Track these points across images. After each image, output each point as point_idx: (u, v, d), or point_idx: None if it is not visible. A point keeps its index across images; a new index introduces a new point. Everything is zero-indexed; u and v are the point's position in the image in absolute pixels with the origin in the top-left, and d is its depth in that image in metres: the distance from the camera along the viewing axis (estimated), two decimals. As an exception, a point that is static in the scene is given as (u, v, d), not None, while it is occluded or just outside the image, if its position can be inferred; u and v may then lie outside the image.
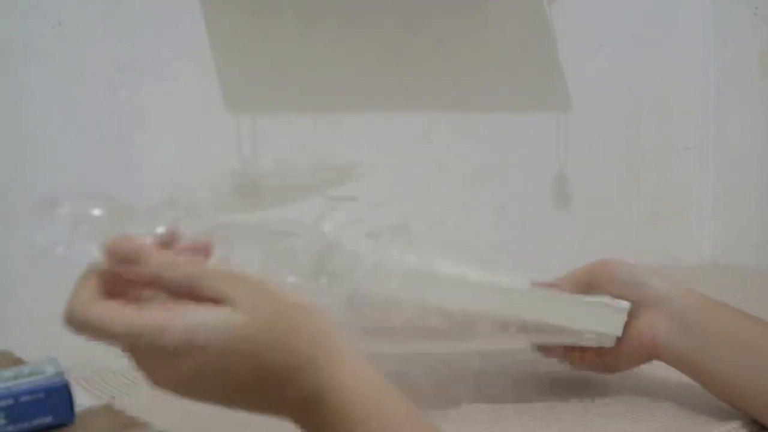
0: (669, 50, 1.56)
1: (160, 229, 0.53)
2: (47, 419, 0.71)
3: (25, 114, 0.94)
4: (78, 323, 0.51)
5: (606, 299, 0.78)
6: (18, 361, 0.84)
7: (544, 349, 0.83)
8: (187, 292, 0.49)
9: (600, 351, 0.80)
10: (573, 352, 0.82)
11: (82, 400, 0.78)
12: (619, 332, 0.78)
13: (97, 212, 0.54)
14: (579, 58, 1.43)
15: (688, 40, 1.58)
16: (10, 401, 0.70)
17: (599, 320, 0.77)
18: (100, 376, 0.94)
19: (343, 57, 1.17)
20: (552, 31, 1.39)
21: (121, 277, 0.51)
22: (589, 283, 0.81)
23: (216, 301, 0.49)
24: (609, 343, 0.79)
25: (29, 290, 0.95)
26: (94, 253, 0.51)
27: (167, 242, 0.54)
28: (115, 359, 1.00)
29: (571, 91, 1.43)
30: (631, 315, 0.78)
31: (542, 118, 1.33)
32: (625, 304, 0.78)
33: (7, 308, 0.94)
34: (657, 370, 0.81)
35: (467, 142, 1.29)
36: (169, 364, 0.48)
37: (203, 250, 0.54)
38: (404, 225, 0.69)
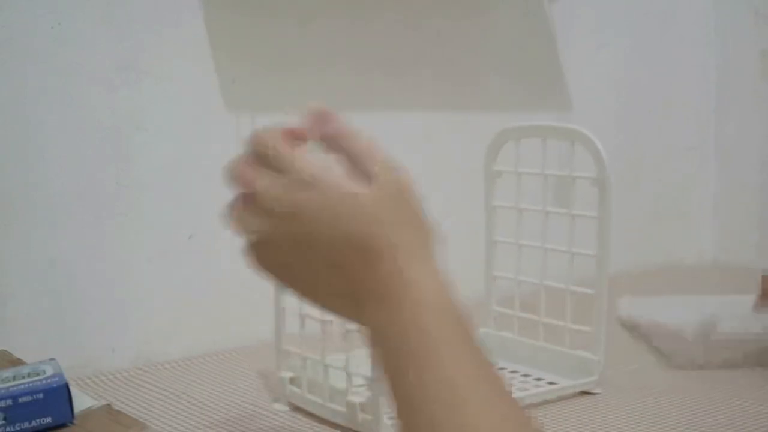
0: (669, 50, 1.56)
1: None
2: (46, 420, 0.71)
3: (25, 114, 0.94)
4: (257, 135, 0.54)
5: None
6: (17, 362, 0.84)
7: None
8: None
9: None
10: None
11: (82, 401, 0.78)
12: None
13: None
14: (579, 58, 1.43)
15: (688, 40, 1.58)
16: (9, 402, 0.70)
17: None
18: (99, 376, 0.94)
19: (343, 57, 1.17)
20: (552, 31, 1.39)
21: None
22: None
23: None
24: None
25: (28, 291, 0.95)
26: None
27: None
28: (114, 360, 1.01)
29: (571, 91, 1.42)
30: None
31: (542, 118, 1.33)
32: None
33: (6, 309, 0.94)
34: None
35: (467, 142, 1.29)
36: (286, 193, 0.51)
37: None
38: None
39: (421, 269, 0.51)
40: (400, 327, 0.50)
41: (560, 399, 0.88)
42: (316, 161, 0.52)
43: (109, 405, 0.80)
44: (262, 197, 0.52)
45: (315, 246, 0.51)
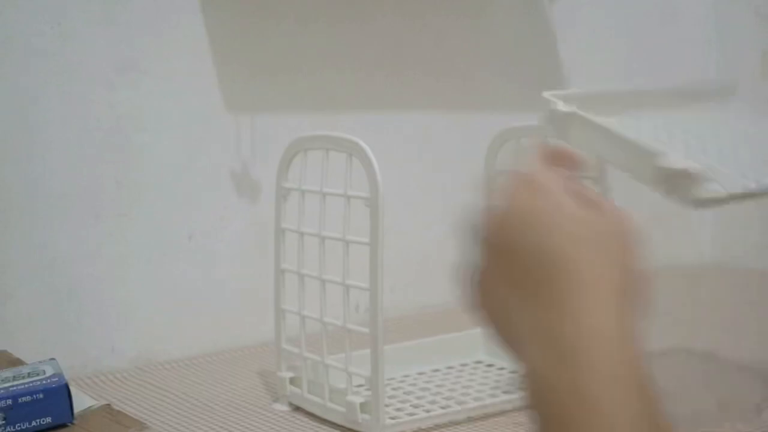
0: (669, 50, 1.56)
1: None
2: (46, 420, 0.71)
3: (25, 114, 0.94)
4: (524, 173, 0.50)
5: None
6: (17, 362, 0.84)
7: None
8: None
9: None
10: None
11: (82, 401, 0.78)
12: None
13: None
14: (579, 58, 1.43)
15: (688, 40, 1.58)
16: (9, 402, 0.70)
17: None
18: (99, 376, 0.94)
19: (343, 57, 1.17)
20: (552, 30, 1.39)
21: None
22: None
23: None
24: None
25: (28, 291, 0.95)
26: None
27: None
28: (113, 360, 1.01)
29: (571, 91, 1.42)
30: None
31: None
32: None
33: (6, 309, 0.94)
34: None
35: (467, 142, 1.29)
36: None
37: None
38: None
39: (608, 320, 0.43)
40: (560, 391, 0.42)
41: (560, 399, 0.87)
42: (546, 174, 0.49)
43: (109, 405, 0.80)
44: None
45: (515, 254, 0.46)
